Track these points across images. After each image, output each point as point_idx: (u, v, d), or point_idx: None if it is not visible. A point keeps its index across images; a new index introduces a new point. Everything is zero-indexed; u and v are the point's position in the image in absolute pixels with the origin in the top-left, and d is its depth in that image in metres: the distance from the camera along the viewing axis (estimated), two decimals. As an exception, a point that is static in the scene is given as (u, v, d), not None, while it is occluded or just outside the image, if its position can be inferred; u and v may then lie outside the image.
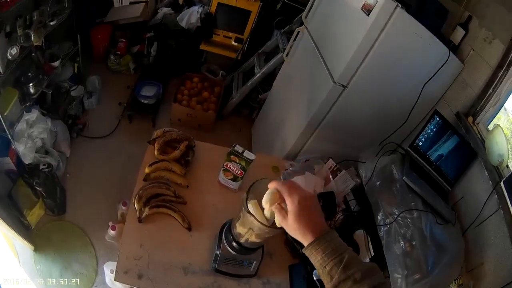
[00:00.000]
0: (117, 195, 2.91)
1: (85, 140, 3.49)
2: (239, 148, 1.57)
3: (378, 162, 1.81)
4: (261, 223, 1.05)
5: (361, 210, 1.76)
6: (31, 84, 2.83)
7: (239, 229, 1.27)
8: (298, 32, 2.43)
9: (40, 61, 3.03)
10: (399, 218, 1.59)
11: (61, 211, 2.90)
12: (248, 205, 1.08)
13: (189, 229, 1.56)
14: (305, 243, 0.85)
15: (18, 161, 2.75)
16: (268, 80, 3.10)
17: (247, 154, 1.56)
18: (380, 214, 1.67)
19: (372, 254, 1.60)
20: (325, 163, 1.81)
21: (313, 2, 2.37)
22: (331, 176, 1.76)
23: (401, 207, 1.63)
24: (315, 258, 0.83)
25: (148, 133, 3.31)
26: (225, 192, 1.73)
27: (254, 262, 1.44)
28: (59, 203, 2.86)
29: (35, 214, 2.75)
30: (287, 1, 3.09)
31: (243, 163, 1.57)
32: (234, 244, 1.34)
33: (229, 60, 3.76)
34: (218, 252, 1.42)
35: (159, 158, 1.72)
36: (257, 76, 3.13)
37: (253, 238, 1.24)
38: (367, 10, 1.79)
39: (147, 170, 1.67)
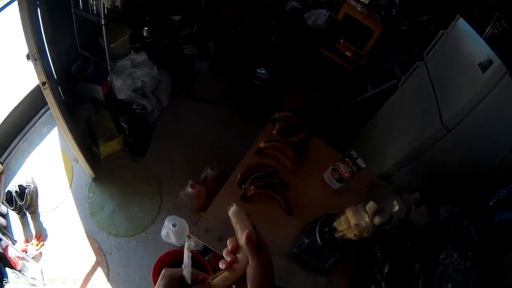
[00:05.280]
0: (202, 159, 3.10)
1: (186, 98, 3.78)
2: (354, 154, 1.73)
3: (456, 208, 1.92)
4: (371, 222, 1.31)
5: (426, 246, 1.88)
6: (146, 28, 3.06)
7: (340, 224, 1.44)
8: (417, 66, 2.58)
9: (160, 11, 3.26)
10: (455, 262, 1.70)
11: (140, 154, 3.13)
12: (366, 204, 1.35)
13: (289, 213, 1.73)
14: None
15: (109, 94, 2.98)
16: (375, 99, 3.27)
17: (360, 161, 1.72)
18: (443, 254, 1.78)
19: (419, 289, 1.72)
20: (412, 194, 1.94)
21: (436, 41, 2.50)
22: (413, 207, 1.89)
23: (460, 252, 1.74)
24: None
25: (252, 113, 3.56)
26: (325, 189, 1.90)
27: (332, 259, 1.59)
28: (140, 145, 3.09)
29: (109, 147, 2.98)
30: (408, 32, 3.22)
31: (354, 168, 1.72)
32: (327, 236, 1.50)
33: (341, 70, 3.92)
34: (306, 240, 1.59)
35: (276, 138, 1.92)
36: (368, 94, 3.34)
37: (350, 235, 1.41)
38: (483, 67, 1.92)
39: (262, 145, 1.87)
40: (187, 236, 0.96)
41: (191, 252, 0.81)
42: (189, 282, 0.78)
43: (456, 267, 1.68)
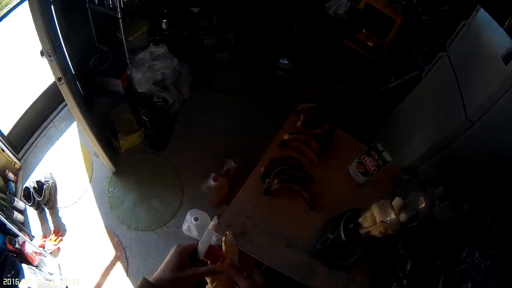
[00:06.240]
0: (224, 151, 3.12)
1: (208, 89, 3.79)
2: (380, 147, 1.70)
3: (479, 204, 1.89)
4: (397, 219, 1.28)
5: (448, 243, 1.85)
6: (164, 20, 3.06)
7: (366, 220, 1.42)
8: (440, 57, 2.54)
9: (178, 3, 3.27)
10: (476, 260, 1.67)
11: (162, 147, 3.14)
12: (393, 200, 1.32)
13: (314, 207, 1.71)
14: None
15: (128, 87, 3.00)
16: (399, 90, 3.24)
17: (385, 154, 1.69)
18: (465, 252, 1.75)
19: (439, 287, 1.69)
20: (436, 189, 1.91)
21: (458, 32, 2.45)
22: (437, 202, 1.86)
23: (481, 251, 1.70)
24: None
25: (275, 104, 3.51)
26: (349, 183, 1.87)
27: (356, 256, 1.56)
28: (162, 138, 3.11)
29: (129, 141, 3.00)
30: (429, 22, 3.16)
31: (380, 162, 1.70)
32: (352, 232, 1.48)
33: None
34: (330, 236, 1.57)
35: (301, 130, 1.89)
36: (391, 85, 3.29)
37: (375, 232, 1.39)
38: (506, 59, 1.86)
39: (286, 137, 1.85)
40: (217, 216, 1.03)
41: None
42: (201, 257, 0.85)
43: (477, 266, 1.64)
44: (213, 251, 0.90)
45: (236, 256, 0.88)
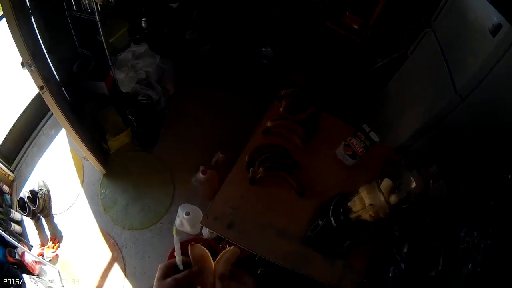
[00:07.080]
0: (213, 143, 3.04)
1: (193, 83, 3.66)
2: (366, 127, 1.62)
3: (475, 182, 1.82)
4: (387, 201, 1.20)
5: (446, 222, 1.78)
6: (143, 19, 2.99)
7: (355, 204, 1.34)
8: (425, 33, 2.46)
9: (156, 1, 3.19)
10: (475, 240, 1.60)
11: (150, 144, 3.08)
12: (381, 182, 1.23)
13: (302, 194, 1.63)
14: None
15: (113, 88, 2.93)
16: (386, 70, 3.15)
17: (372, 135, 1.61)
18: (463, 232, 1.68)
19: (439, 268, 1.62)
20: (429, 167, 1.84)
21: (442, 7, 2.37)
22: (431, 181, 1.79)
23: (480, 229, 1.64)
24: None
25: (261, 93, 3.23)
26: (338, 167, 1.79)
27: (349, 242, 1.49)
28: (149, 135, 3.05)
29: (118, 141, 2.93)
30: None
31: (367, 143, 1.62)
32: (342, 217, 1.40)
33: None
34: (320, 222, 1.50)
35: (284, 116, 1.81)
36: (378, 65, 3.25)
37: (365, 216, 1.31)
38: (493, 31, 1.78)
39: (268, 124, 1.77)
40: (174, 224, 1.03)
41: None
42: (181, 267, 0.82)
43: (477, 245, 1.58)
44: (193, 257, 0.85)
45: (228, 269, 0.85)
